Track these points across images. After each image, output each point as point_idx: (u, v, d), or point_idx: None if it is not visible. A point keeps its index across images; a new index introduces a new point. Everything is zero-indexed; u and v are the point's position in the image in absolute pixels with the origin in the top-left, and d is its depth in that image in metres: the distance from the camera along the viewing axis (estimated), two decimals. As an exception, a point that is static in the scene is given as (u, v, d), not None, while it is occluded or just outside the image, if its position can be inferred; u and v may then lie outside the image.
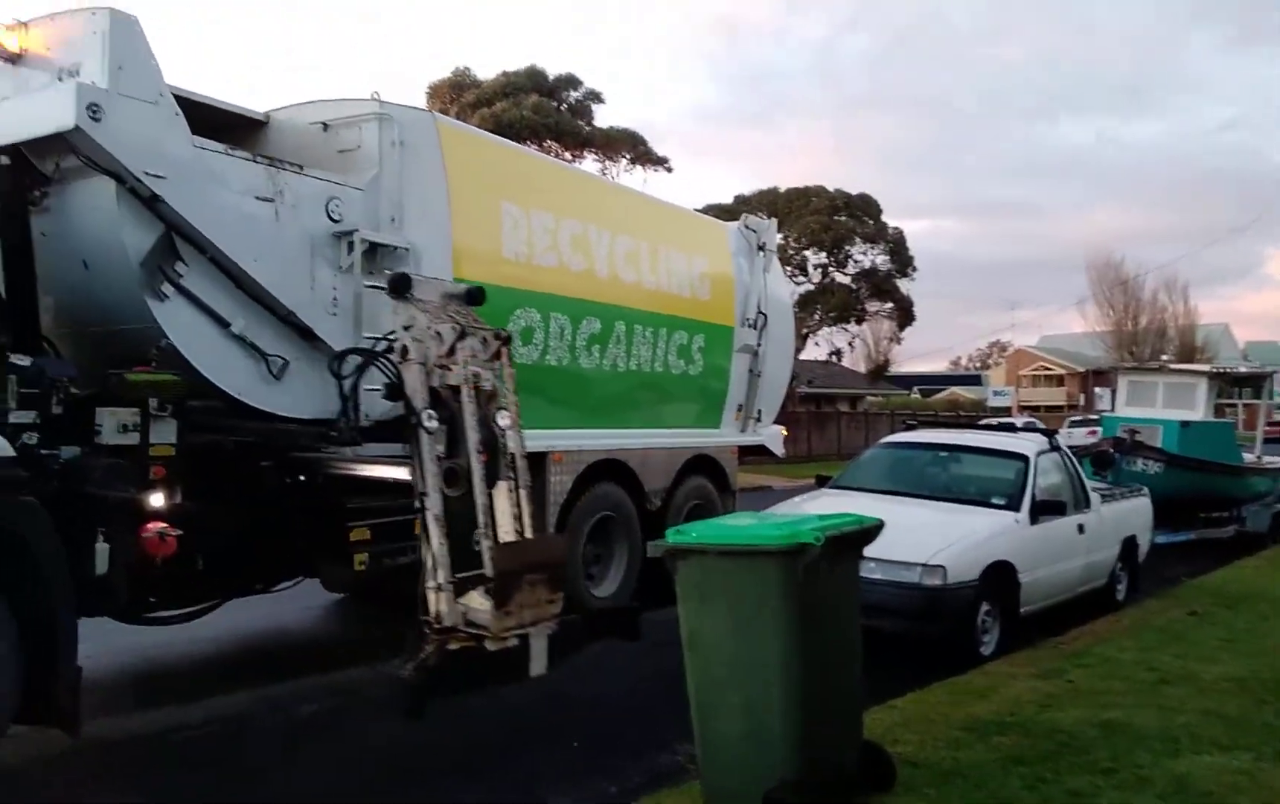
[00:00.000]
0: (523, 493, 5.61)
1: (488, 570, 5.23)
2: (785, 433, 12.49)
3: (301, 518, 6.66)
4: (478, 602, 5.22)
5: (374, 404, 6.27)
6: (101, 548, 5.15)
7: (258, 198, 6.34)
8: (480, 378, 5.53)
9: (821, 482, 9.94)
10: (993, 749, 5.38)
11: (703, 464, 10.33)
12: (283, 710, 6.30)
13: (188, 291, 5.98)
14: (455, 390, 5.48)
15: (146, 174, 5.68)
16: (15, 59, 5.94)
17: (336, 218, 6.78)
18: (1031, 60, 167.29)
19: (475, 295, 6.04)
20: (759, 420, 11.46)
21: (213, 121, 6.72)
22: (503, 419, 5.59)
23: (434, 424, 5.34)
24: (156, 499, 5.49)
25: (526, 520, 5.56)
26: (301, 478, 6.73)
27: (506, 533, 5.46)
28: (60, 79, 5.71)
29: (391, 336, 5.66)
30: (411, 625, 5.28)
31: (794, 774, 4.23)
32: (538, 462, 8.11)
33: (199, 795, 5.00)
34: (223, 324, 6.18)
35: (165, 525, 5.45)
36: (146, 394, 5.44)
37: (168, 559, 5.51)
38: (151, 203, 5.77)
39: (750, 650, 4.33)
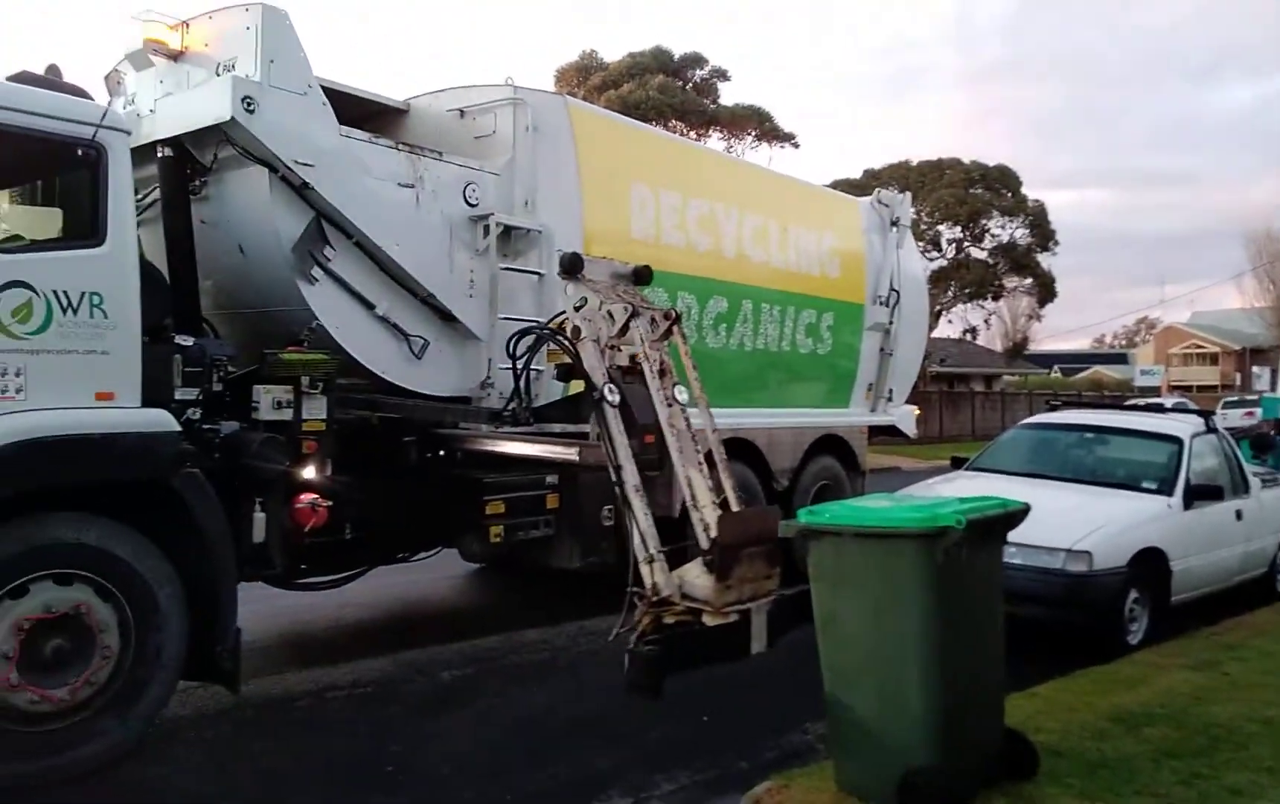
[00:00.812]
0: (721, 467, 5.53)
1: (703, 542, 5.17)
2: (918, 413, 12.20)
3: (441, 491, 6.90)
4: (695, 575, 5.15)
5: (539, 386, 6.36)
6: (259, 517, 5.45)
7: (400, 184, 6.57)
8: (653, 357, 5.53)
9: (957, 464, 9.66)
10: (1142, 741, 5.15)
11: (831, 444, 10.20)
12: (424, 675, 6.55)
13: (335, 275, 6.26)
14: (625, 371, 5.52)
15: (297, 162, 5.95)
16: (177, 56, 6.29)
17: (473, 202, 6.97)
18: (1194, 17, 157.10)
19: (643, 274, 6.06)
20: (890, 400, 11.24)
21: (357, 110, 6.99)
22: (681, 395, 5.55)
23: (617, 397, 5.36)
24: (309, 472, 5.76)
25: (730, 494, 5.46)
26: (441, 453, 6.96)
27: (706, 506, 5.37)
28: (217, 73, 6.04)
29: (561, 317, 5.71)
30: (626, 597, 5.25)
31: (931, 759, 4.16)
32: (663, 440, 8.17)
33: (349, 752, 5.25)
34: (368, 306, 6.44)
35: (317, 497, 5.73)
36: (299, 372, 5.70)
37: (318, 528, 5.80)
38: (302, 190, 6.04)
39: (888, 634, 4.26)
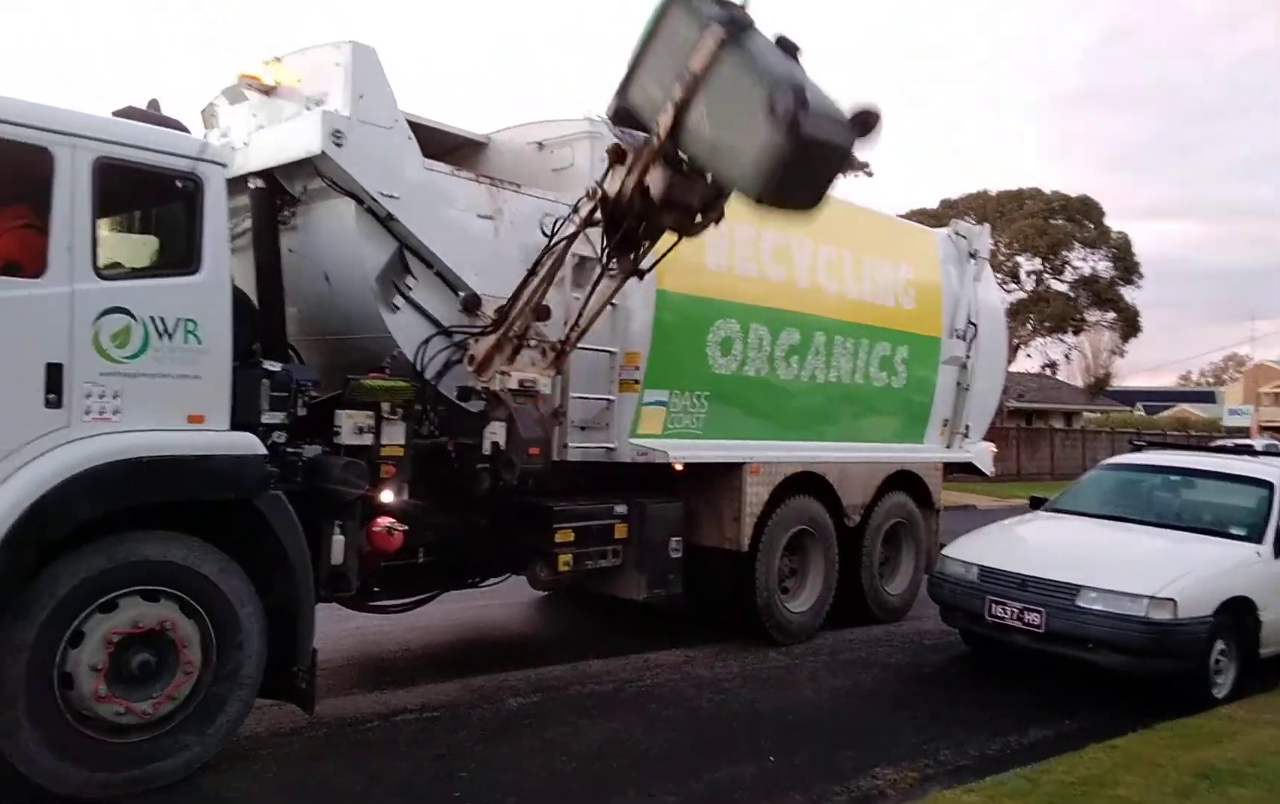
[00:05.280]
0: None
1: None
2: (995, 450, 11.94)
3: (512, 518, 6.97)
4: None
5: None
6: (338, 540, 5.58)
7: (479, 216, 6.70)
8: (538, 382, 6.64)
9: (1036, 504, 9.45)
10: (1229, 800, 4.97)
11: (905, 480, 10.04)
12: (491, 702, 6.61)
13: (416, 304, 6.40)
14: (514, 393, 6.50)
15: (382, 195, 6.11)
16: (269, 91, 6.49)
17: (550, 234, 7.04)
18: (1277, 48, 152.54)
19: (542, 312, 6.71)
20: (966, 435, 11.02)
21: (440, 143, 7.15)
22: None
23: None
24: (387, 496, 5.89)
25: None
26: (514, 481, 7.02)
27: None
28: (308, 108, 6.23)
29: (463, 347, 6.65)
30: None
31: None
32: (734, 472, 8.16)
33: (418, 776, 5.32)
34: (446, 335, 6.56)
35: (393, 520, 5.85)
36: (380, 398, 5.84)
37: (394, 552, 5.92)
38: (386, 221, 6.20)
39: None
